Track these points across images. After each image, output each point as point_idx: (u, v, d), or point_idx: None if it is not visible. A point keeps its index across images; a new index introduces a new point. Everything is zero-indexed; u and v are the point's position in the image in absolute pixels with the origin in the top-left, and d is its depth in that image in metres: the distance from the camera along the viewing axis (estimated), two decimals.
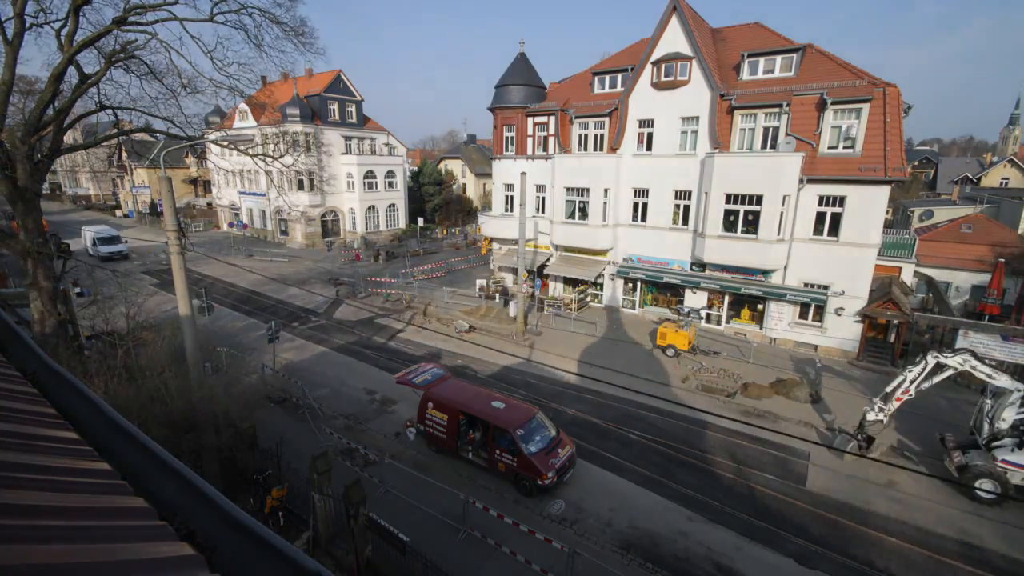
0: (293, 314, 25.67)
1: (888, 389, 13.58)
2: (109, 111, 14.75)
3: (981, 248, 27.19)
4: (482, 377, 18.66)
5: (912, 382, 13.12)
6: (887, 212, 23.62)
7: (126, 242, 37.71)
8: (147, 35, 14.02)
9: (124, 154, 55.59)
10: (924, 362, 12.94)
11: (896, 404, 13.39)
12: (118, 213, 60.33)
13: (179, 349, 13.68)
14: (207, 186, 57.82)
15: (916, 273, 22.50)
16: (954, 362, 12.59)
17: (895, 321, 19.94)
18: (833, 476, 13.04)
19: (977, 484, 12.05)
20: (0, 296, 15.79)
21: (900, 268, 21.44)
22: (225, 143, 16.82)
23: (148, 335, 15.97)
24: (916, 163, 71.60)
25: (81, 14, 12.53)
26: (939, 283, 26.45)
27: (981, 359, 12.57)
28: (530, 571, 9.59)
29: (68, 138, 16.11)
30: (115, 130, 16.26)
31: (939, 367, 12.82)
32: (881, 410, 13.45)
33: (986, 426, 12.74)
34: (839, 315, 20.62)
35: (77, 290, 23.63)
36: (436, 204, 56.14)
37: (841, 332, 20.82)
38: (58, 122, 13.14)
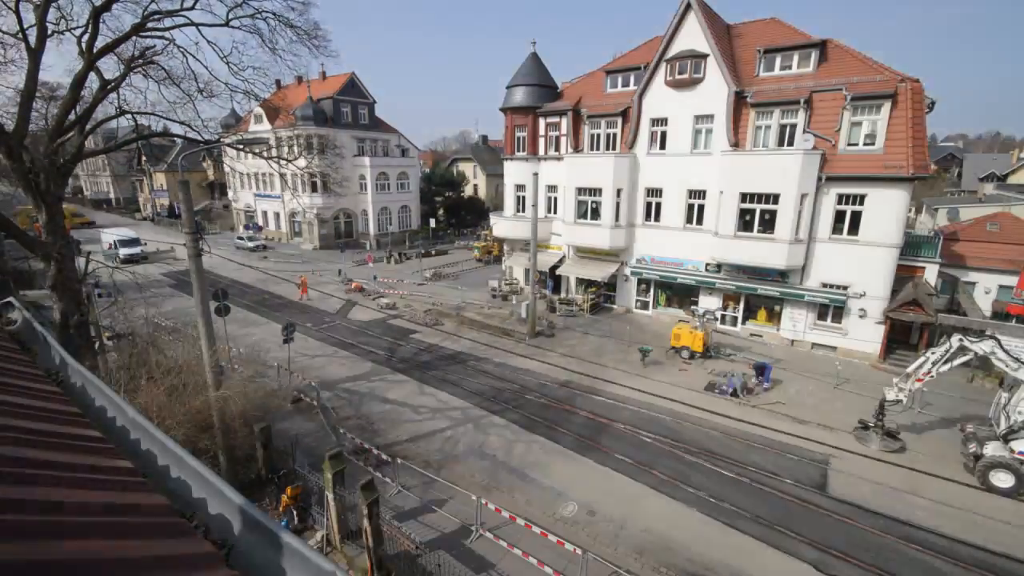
0: (308, 315, 25.93)
1: (909, 369, 13.81)
2: (128, 116, 15.04)
3: (1009, 247, 26.34)
4: (493, 379, 18.63)
5: (934, 364, 13.30)
6: (910, 210, 23.07)
7: (145, 244, 38.66)
8: (165, 40, 14.28)
9: (143, 158, 56.83)
10: (948, 344, 13.13)
11: (916, 384, 13.64)
12: (137, 216, 61.71)
13: (196, 349, 13.88)
14: (222, 189, 58.82)
15: (941, 273, 21.85)
16: (978, 347, 12.71)
17: (919, 323, 19.44)
18: (855, 481, 12.72)
19: (991, 474, 12.27)
20: (25, 298, 16.21)
21: (924, 268, 20.89)
22: (240, 147, 17.03)
23: (166, 335, 16.26)
24: (940, 159, 69.90)
25: (101, 20, 12.76)
26: (965, 284, 25.70)
27: (1006, 350, 12.47)
28: (543, 573, 9.51)
29: (88, 143, 16.43)
30: (134, 134, 16.59)
31: (962, 350, 12.96)
32: (901, 390, 13.73)
33: (1003, 419, 12.87)
34: (861, 317, 20.16)
35: (98, 291, 24.15)
36: (448, 205, 56.36)
37: (863, 334, 20.36)
38: (79, 127, 13.42)
